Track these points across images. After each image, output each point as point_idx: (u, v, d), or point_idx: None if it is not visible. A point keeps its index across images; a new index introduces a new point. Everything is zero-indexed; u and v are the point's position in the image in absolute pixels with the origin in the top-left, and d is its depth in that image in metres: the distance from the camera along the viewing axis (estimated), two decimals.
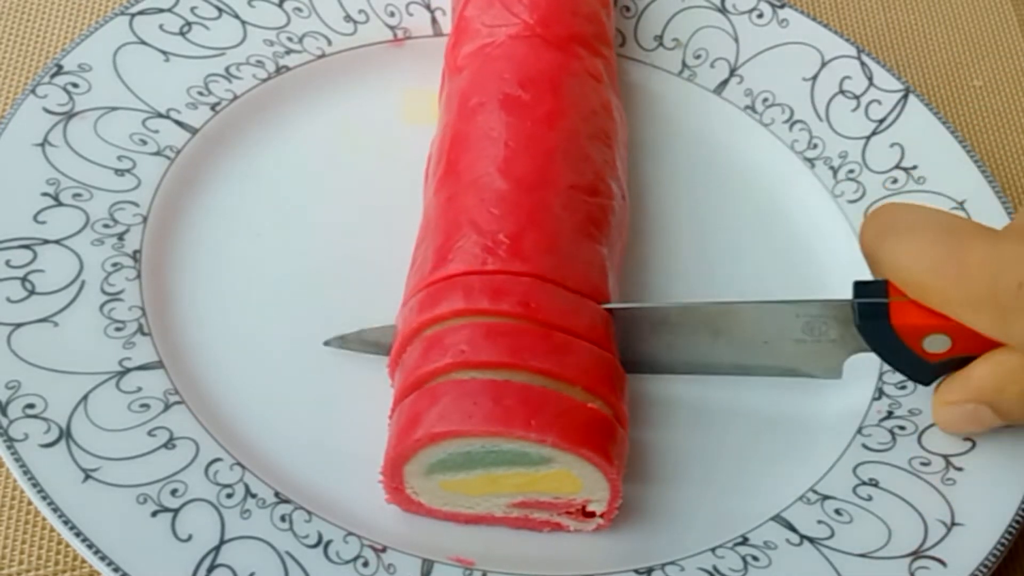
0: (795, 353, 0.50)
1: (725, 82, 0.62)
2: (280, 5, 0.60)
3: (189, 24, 0.58)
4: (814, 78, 0.62)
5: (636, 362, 0.50)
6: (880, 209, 0.50)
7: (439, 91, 0.58)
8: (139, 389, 0.47)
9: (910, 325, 0.47)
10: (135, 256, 0.51)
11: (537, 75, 0.54)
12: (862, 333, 0.48)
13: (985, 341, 0.46)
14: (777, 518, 0.48)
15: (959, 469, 0.49)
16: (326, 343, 0.51)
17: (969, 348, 0.47)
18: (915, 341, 0.47)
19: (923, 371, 0.48)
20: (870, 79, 0.62)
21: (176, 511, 0.44)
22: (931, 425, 0.51)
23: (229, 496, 0.45)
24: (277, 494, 0.46)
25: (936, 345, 0.47)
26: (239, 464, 0.46)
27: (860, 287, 0.48)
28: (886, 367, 0.53)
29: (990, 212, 0.57)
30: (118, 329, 0.49)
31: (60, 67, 0.55)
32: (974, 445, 0.50)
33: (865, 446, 0.51)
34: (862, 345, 0.48)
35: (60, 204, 0.51)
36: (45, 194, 0.51)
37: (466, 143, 0.52)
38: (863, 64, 0.62)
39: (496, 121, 0.52)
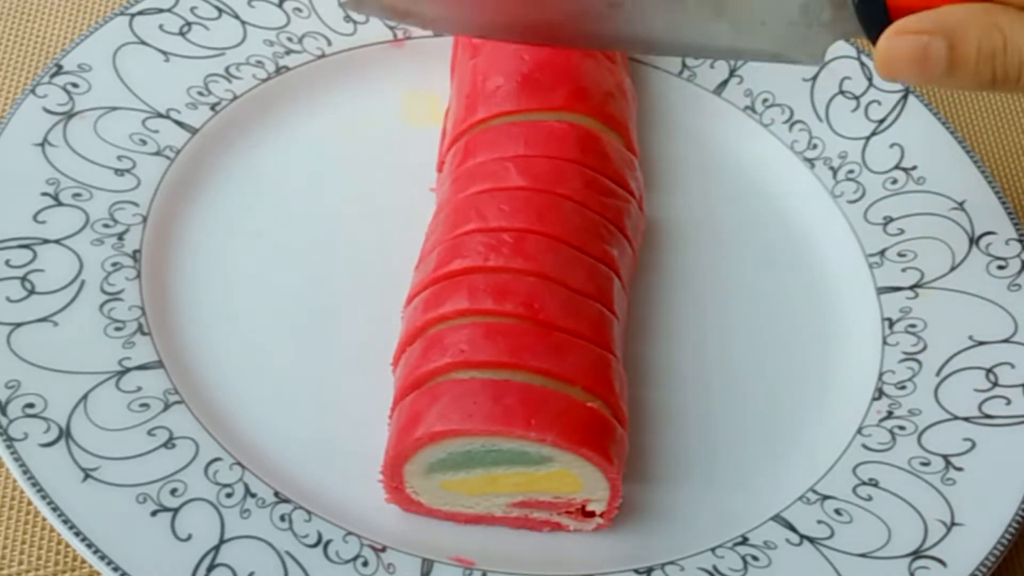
0: (785, 35, 0.51)
1: (725, 82, 0.62)
2: (280, 5, 0.60)
3: (189, 24, 0.58)
4: (814, 78, 0.62)
5: (643, 41, 0.54)
6: None
7: (450, 63, 0.58)
8: (139, 389, 0.47)
9: (903, 5, 0.48)
10: (135, 256, 0.51)
11: (555, 55, 0.54)
12: (859, 13, 0.49)
13: None
14: (777, 518, 0.48)
15: (959, 469, 0.49)
16: (341, 4, 0.54)
17: None
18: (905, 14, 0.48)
19: None
20: (870, 80, 0.62)
21: (176, 511, 0.44)
22: (931, 425, 0.51)
23: (229, 496, 0.45)
24: (277, 494, 0.46)
25: None
26: (239, 464, 0.46)
27: None
28: (885, 368, 0.53)
29: (990, 212, 0.57)
30: (118, 329, 0.49)
31: (60, 67, 0.55)
32: (974, 445, 0.50)
33: (865, 446, 0.51)
34: (849, 29, 0.50)
35: (60, 204, 0.51)
36: (45, 194, 0.51)
37: (484, 132, 0.52)
38: (863, 64, 0.62)
39: (515, 109, 0.52)
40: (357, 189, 0.57)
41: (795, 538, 0.48)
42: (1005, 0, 0.46)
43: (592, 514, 0.47)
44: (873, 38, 0.49)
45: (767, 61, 0.53)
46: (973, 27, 0.46)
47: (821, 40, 0.51)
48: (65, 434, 0.45)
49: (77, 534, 0.43)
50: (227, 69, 0.58)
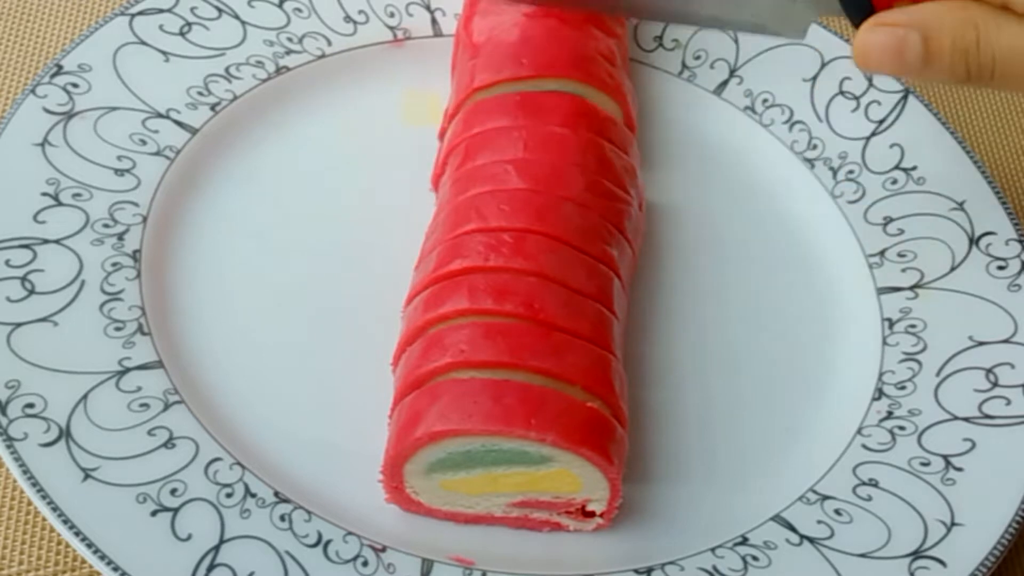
0: (769, 9, 0.52)
1: (725, 83, 0.62)
2: (280, 5, 0.60)
3: (189, 24, 0.58)
4: (814, 79, 0.62)
5: (626, 6, 0.56)
6: None
7: (451, 63, 0.58)
8: (139, 389, 0.47)
9: None
10: (135, 256, 0.51)
11: (555, 60, 0.54)
12: (843, 3, 0.49)
13: None
14: (777, 518, 0.48)
15: (959, 469, 0.49)
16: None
17: None
18: (886, 4, 0.48)
19: None
20: (870, 80, 0.62)
21: (176, 510, 0.44)
22: (931, 425, 0.51)
23: (229, 495, 0.45)
24: (277, 493, 0.46)
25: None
26: (239, 464, 0.46)
27: None
28: (885, 368, 0.53)
29: (990, 212, 0.57)
30: (118, 329, 0.49)
31: (60, 67, 0.55)
32: (974, 445, 0.50)
33: (865, 446, 0.51)
34: (832, 7, 0.50)
35: (60, 204, 0.51)
36: (45, 194, 0.51)
37: (484, 136, 0.52)
38: None
39: (515, 113, 0.52)
40: (357, 189, 0.57)
41: (795, 538, 0.48)
42: None
43: (592, 514, 0.47)
44: (855, 22, 0.49)
45: (750, 32, 0.54)
46: (948, 22, 0.47)
47: (804, 15, 0.52)
48: (65, 434, 0.45)
49: (77, 534, 0.43)
50: (227, 69, 0.58)
